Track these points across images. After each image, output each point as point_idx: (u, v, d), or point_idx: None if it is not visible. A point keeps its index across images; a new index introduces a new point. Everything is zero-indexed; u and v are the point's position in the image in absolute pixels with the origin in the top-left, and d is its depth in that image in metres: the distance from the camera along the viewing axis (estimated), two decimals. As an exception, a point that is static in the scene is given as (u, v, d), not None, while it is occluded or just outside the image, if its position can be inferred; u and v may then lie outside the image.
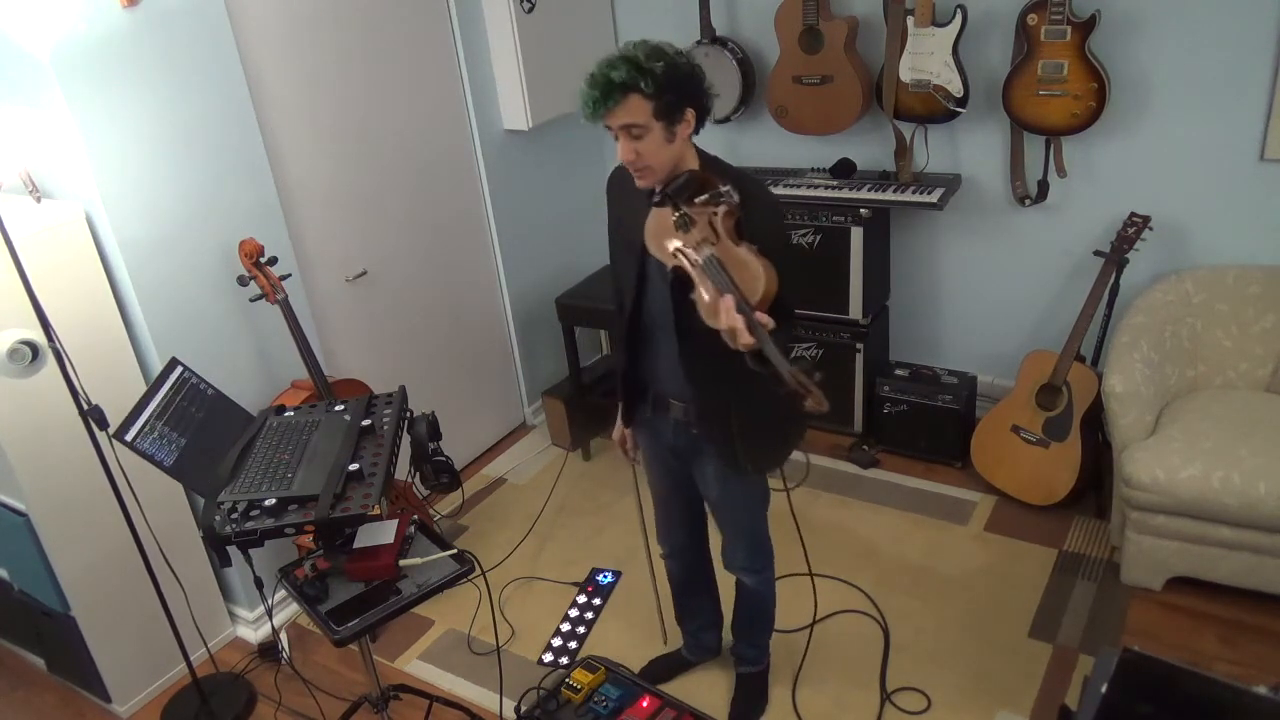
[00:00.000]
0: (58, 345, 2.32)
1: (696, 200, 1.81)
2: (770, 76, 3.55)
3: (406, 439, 2.15)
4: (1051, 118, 3.12)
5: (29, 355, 2.35)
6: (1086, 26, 2.95)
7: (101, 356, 2.62)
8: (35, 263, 2.34)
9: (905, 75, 3.29)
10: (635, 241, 2.03)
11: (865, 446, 3.70)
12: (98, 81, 2.45)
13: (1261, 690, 1.41)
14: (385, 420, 2.13)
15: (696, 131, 1.96)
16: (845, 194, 3.46)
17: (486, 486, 3.85)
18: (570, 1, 3.75)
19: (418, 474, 2.17)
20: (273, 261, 2.82)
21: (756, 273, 1.72)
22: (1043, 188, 3.37)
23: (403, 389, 2.24)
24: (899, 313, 3.88)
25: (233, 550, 1.90)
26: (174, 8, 2.57)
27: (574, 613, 3.11)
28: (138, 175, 2.59)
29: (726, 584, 2.69)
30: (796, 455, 3.56)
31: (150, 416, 2.10)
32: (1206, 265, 3.15)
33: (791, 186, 3.55)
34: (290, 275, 2.89)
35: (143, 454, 2.05)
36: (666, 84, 1.82)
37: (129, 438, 2.05)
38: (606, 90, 1.81)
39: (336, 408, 2.20)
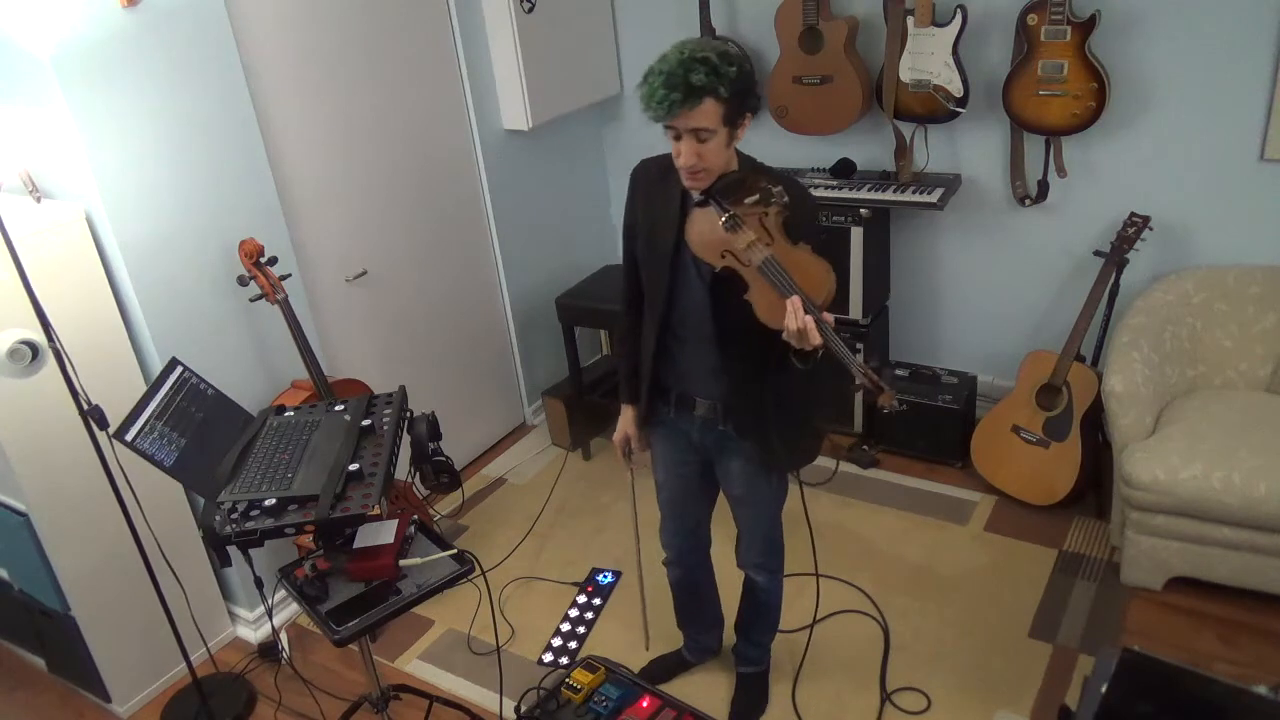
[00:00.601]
0: (58, 345, 2.31)
1: (746, 201, 1.81)
2: (770, 76, 3.55)
3: (406, 439, 2.15)
4: (1051, 118, 3.12)
5: (29, 355, 2.35)
6: (1086, 26, 2.95)
7: (101, 356, 2.62)
8: (35, 263, 2.34)
9: (905, 75, 3.29)
10: (665, 241, 2.02)
11: (865, 446, 3.70)
12: (98, 81, 2.45)
13: (1261, 690, 1.41)
14: (385, 420, 2.13)
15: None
16: (845, 194, 3.46)
17: (486, 486, 3.85)
18: (570, 1, 3.75)
19: (418, 474, 2.17)
20: (273, 261, 2.82)
21: (819, 273, 1.74)
22: (1043, 188, 3.37)
23: (403, 389, 2.24)
24: (899, 313, 3.88)
25: (233, 550, 1.90)
26: (174, 8, 2.57)
27: (574, 613, 3.11)
28: (138, 175, 2.59)
29: (726, 584, 2.69)
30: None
31: (150, 416, 2.10)
32: (1206, 265, 3.15)
33: (791, 186, 3.55)
34: (290, 275, 2.89)
35: (143, 454, 2.05)
36: (738, 90, 1.83)
37: (129, 438, 2.05)
38: (687, 93, 1.77)
39: (336, 408, 2.20)
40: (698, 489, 2.43)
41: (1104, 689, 1.45)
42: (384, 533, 2.10)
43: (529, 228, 4.00)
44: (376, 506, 1.87)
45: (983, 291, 3.69)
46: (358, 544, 2.07)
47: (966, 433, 3.49)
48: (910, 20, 3.21)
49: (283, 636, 3.05)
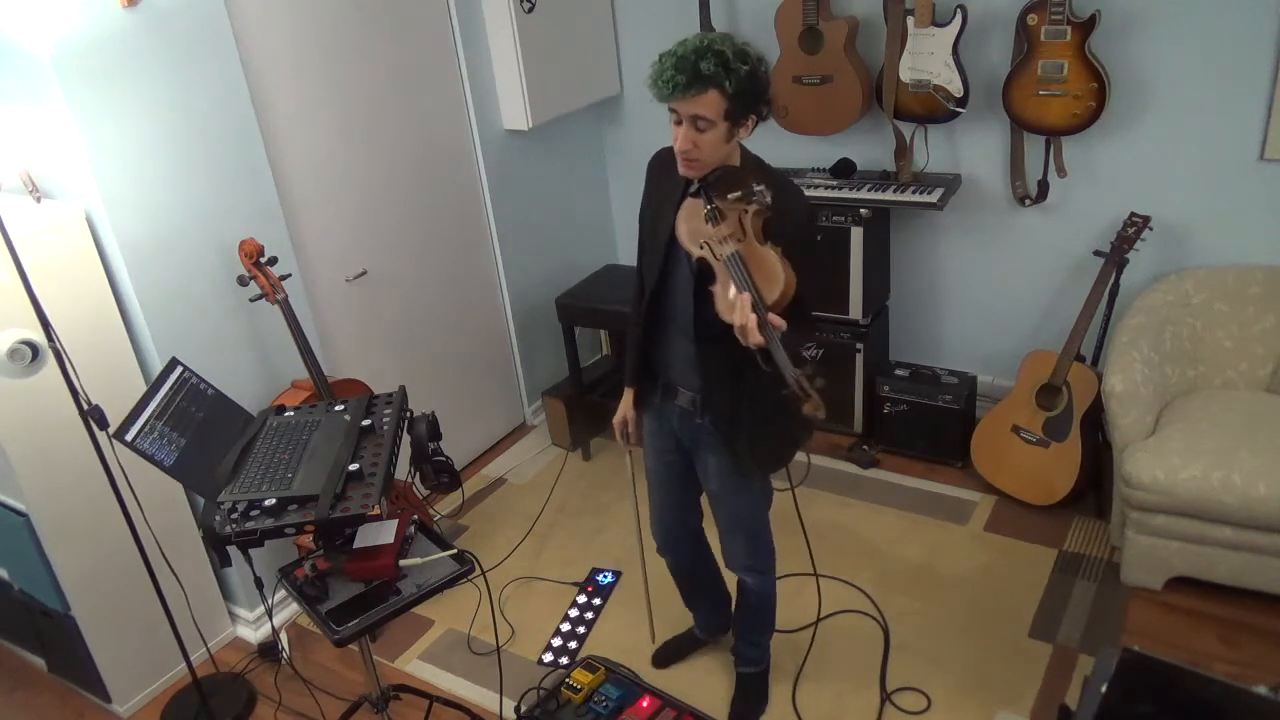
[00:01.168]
0: (58, 345, 2.31)
1: (729, 196, 1.84)
2: (770, 77, 3.55)
3: (406, 439, 2.15)
4: (1051, 118, 3.12)
5: (29, 355, 2.35)
6: (1086, 26, 2.95)
7: (101, 356, 2.62)
8: (35, 263, 2.34)
9: (905, 75, 3.29)
10: (664, 228, 2.05)
11: (865, 446, 3.70)
12: (98, 81, 2.45)
13: (1261, 690, 1.41)
14: (385, 420, 2.13)
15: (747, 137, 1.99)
16: (845, 194, 3.46)
17: (486, 486, 3.85)
18: (570, 1, 3.75)
19: (418, 474, 2.17)
20: (273, 261, 2.82)
21: (776, 274, 1.75)
22: (1043, 188, 3.37)
23: (403, 389, 2.24)
24: (899, 313, 3.88)
25: (233, 550, 1.90)
26: (174, 8, 2.57)
27: (574, 613, 3.11)
28: (138, 175, 2.59)
29: (728, 576, 2.68)
30: (799, 456, 3.56)
31: (150, 416, 2.10)
32: (1206, 265, 3.15)
33: (791, 186, 3.55)
34: (290, 275, 2.89)
35: (143, 454, 2.05)
36: (745, 88, 1.85)
37: (129, 438, 2.05)
38: (692, 78, 1.81)
39: (336, 408, 2.20)
40: (682, 477, 2.43)
41: (1104, 689, 1.45)
42: (384, 533, 2.10)
43: (529, 228, 4.00)
44: (376, 506, 1.87)
45: (983, 291, 3.69)
46: (358, 544, 2.07)
47: (966, 433, 3.49)
48: (910, 20, 3.21)
49: (283, 636, 3.05)
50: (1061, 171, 3.31)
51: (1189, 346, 3.08)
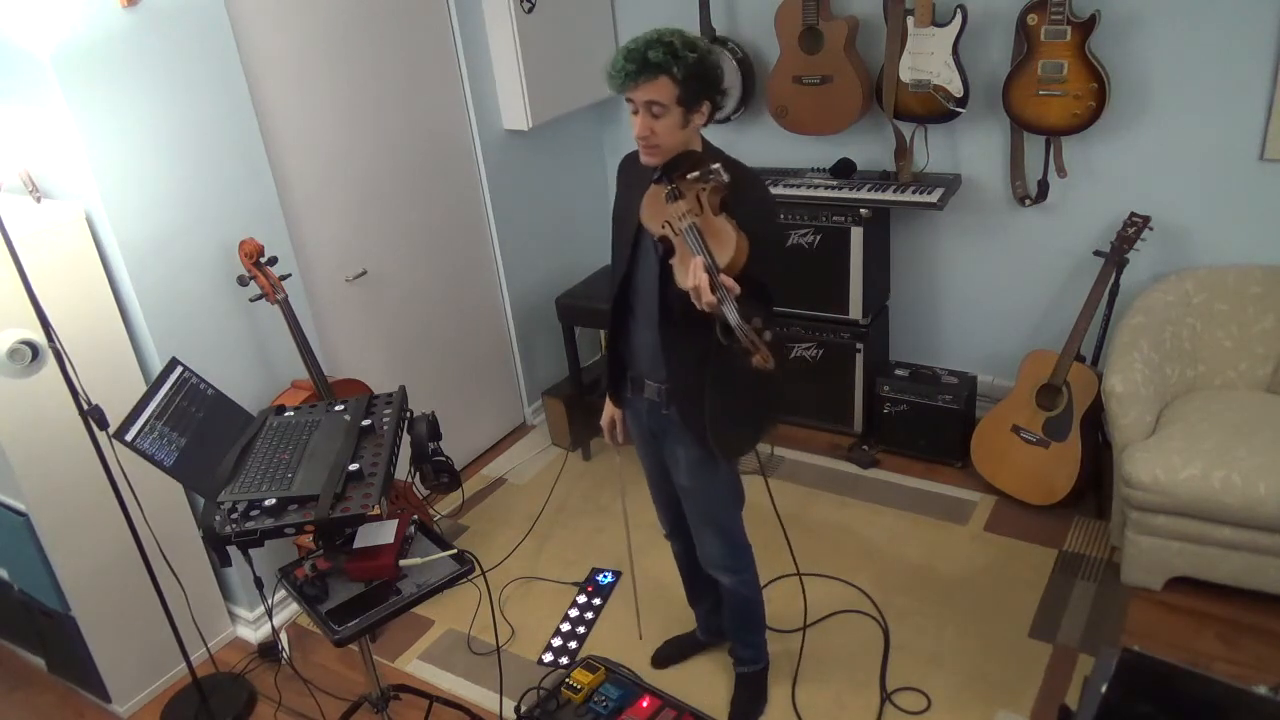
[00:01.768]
0: (58, 345, 2.32)
1: (689, 176, 1.93)
2: (770, 76, 3.55)
3: (406, 439, 2.15)
4: (1051, 118, 3.12)
5: (29, 355, 2.35)
6: (1086, 26, 2.95)
7: (101, 356, 2.62)
8: (35, 263, 2.34)
9: (905, 75, 3.29)
10: (632, 221, 2.13)
11: (865, 446, 3.70)
12: (98, 81, 2.45)
13: (1261, 690, 1.41)
14: (385, 420, 2.13)
15: (705, 125, 2.07)
16: (845, 194, 3.46)
17: (486, 486, 3.85)
18: (570, 1, 3.75)
19: (418, 474, 2.17)
20: (273, 261, 2.82)
21: (729, 239, 1.84)
22: (1043, 188, 3.37)
23: (403, 389, 2.24)
24: (899, 313, 3.88)
25: (233, 550, 1.90)
26: (174, 8, 2.57)
27: (574, 613, 3.11)
28: (138, 175, 2.59)
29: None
30: (786, 452, 3.56)
31: (150, 416, 2.10)
32: (1206, 265, 3.15)
33: (791, 186, 3.55)
34: (290, 275, 2.89)
35: (143, 454, 2.05)
36: (694, 74, 1.94)
37: (129, 438, 2.05)
38: (641, 66, 1.92)
39: (336, 408, 2.20)
40: (667, 468, 2.45)
41: (1104, 689, 1.45)
42: (384, 533, 2.10)
43: (529, 228, 4.00)
44: (376, 506, 1.87)
45: (983, 291, 3.69)
46: (358, 544, 2.07)
47: (966, 433, 3.49)
48: (910, 20, 3.21)
49: (283, 636, 3.05)
50: (1061, 171, 3.31)
51: (1189, 346, 3.08)
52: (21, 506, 2.61)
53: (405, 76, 3.38)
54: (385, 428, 2.10)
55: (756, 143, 3.86)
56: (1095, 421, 3.18)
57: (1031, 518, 3.25)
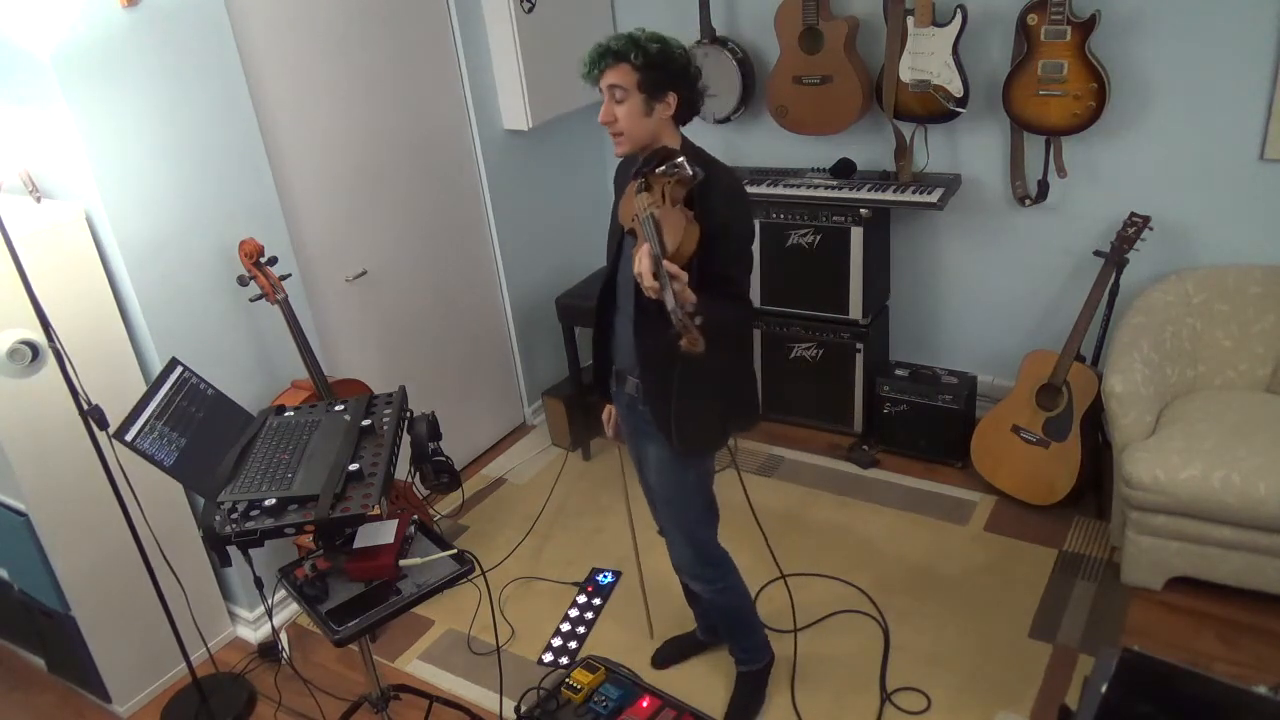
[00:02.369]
0: (58, 345, 2.31)
1: (658, 170, 1.99)
2: (770, 76, 3.55)
3: (406, 439, 2.15)
4: (1051, 118, 3.12)
5: (29, 355, 2.35)
6: (1086, 26, 2.95)
7: (101, 356, 2.62)
8: (35, 263, 2.34)
9: (905, 75, 3.29)
10: (617, 218, 2.21)
11: (865, 446, 3.70)
12: (98, 81, 2.45)
13: (1261, 690, 1.41)
14: (385, 420, 2.13)
15: (684, 122, 2.14)
16: (845, 194, 3.46)
17: (486, 486, 3.85)
18: (570, 1, 3.75)
19: (418, 474, 2.17)
20: (273, 261, 2.82)
21: (678, 228, 1.89)
22: (1043, 188, 3.37)
23: (403, 389, 2.24)
24: (899, 313, 3.88)
25: (233, 550, 1.90)
26: (174, 8, 2.57)
27: (574, 613, 3.11)
28: (138, 175, 2.59)
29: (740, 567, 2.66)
30: (785, 452, 3.55)
31: (150, 416, 2.10)
32: (1206, 265, 3.15)
33: (791, 186, 3.55)
34: (290, 275, 2.89)
35: (143, 454, 2.05)
36: (655, 62, 2.03)
37: (129, 438, 2.04)
38: (602, 53, 2.05)
39: (336, 408, 2.20)
40: (647, 463, 2.45)
41: (1104, 689, 1.45)
42: (384, 533, 2.10)
43: (529, 228, 4.00)
44: (376, 506, 1.87)
45: (983, 291, 3.69)
46: (358, 544, 2.07)
47: (966, 433, 3.49)
48: (910, 20, 3.21)
49: (283, 636, 3.05)
50: (1061, 171, 3.31)
51: (1189, 346, 3.08)
52: (21, 506, 2.61)
53: (405, 76, 3.38)
54: (385, 428, 2.10)
55: (756, 143, 3.86)
56: (1095, 421, 3.18)
57: (1031, 518, 3.25)
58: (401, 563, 2.05)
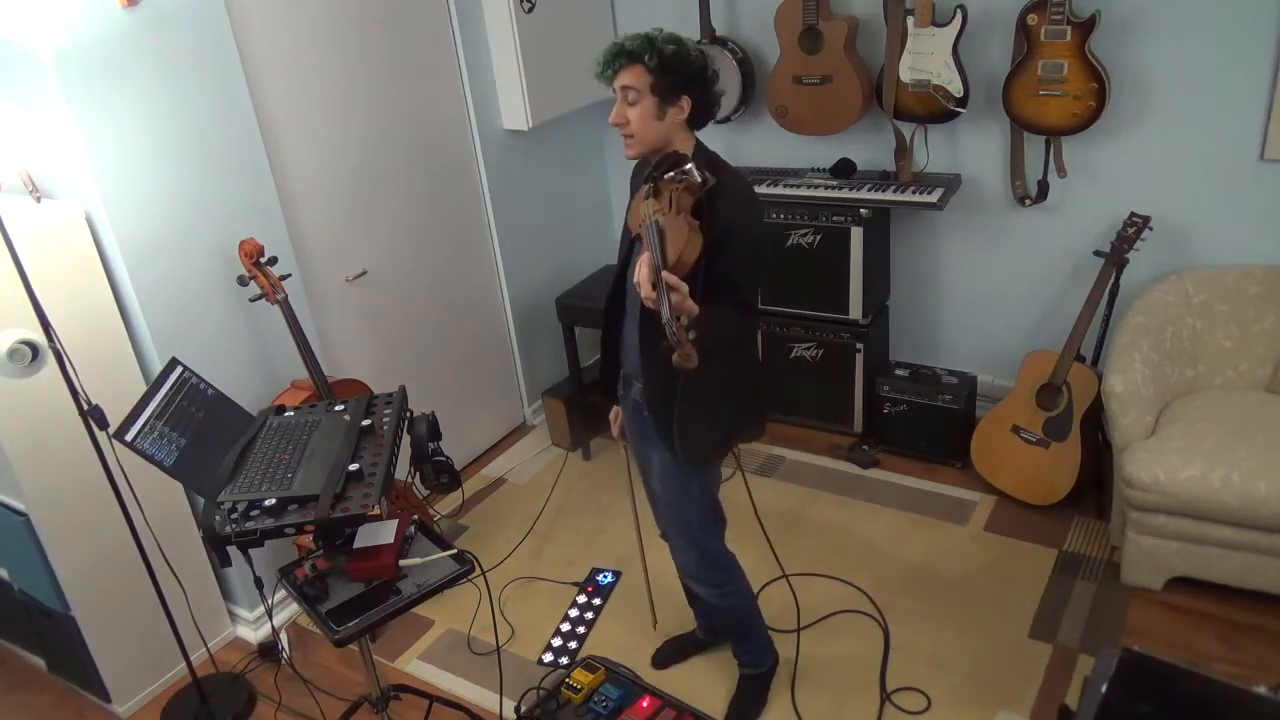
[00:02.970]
0: (58, 345, 2.31)
1: (667, 176, 1.96)
2: (770, 76, 3.55)
3: (406, 439, 2.15)
4: (1051, 118, 3.12)
5: (29, 355, 2.35)
6: (1086, 26, 2.95)
7: (101, 356, 2.62)
8: (35, 263, 2.34)
9: (905, 75, 3.29)
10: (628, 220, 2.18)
11: (865, 446, 3.70)
12: (98, 81, 2.45)
13: (1261, 690, 1.41)
14: (385, 420, 2.13)
15: (698, 127, 2.11)
16: (845, 194, 3.46)
17: (486, 486, 3.85)
18: (570, 1, 3.75)
19: (418, 474, 2.17)
20: (273, 261, 2.82)
21: (680, 238, 1.85)
22: (1043, 188, 3.37)
23: (403, 389, 2.24)
24: (899, 313, 3.88)
25: (233, 550, 1.90)
26: (174, 8, 2.57)
27: (574, 613, 3.11)
28: (138, 175, 2.59)
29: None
30: (786, 452, 3.55)
31: (150, 416, 2.10)
32: (1206, 265, 3.15)
33: (791, 186, 3.55)
34: (290, 275, 2.89)
35: (143, 454, 2.05)
36: (670, 65, 2.00)
37: (129, 438, 2.04)
38: (617, 53, 2.03)
39: (336, 408, 2.20)
40: (652, 470, 2.44)
41: (1104, 689, 1.45)
42: (384, 533, 2.10)
43: (529, 228, 4.00)
44: (376, 506, 1.86)
45: (983, 291, 3.69)
46: (358, 544, 2.07)
47: (966, 433, 3.49)
48: (910, 20, 3.21)
49: (283, 636, 3.05)
50: (1061, 171, 3.31)
51: (1189, 346, 3.08)
52: (21, 506, 2.61)
53: (405, 76, 3.38)
54: (385, 428, 2.10)
55: (756, 143, 3.86)
56: (1095, 421, 3.18)
57: (1031, 518, 3.25)
58: (401, 563, 2.06)
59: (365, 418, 2.12)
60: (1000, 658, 2.72)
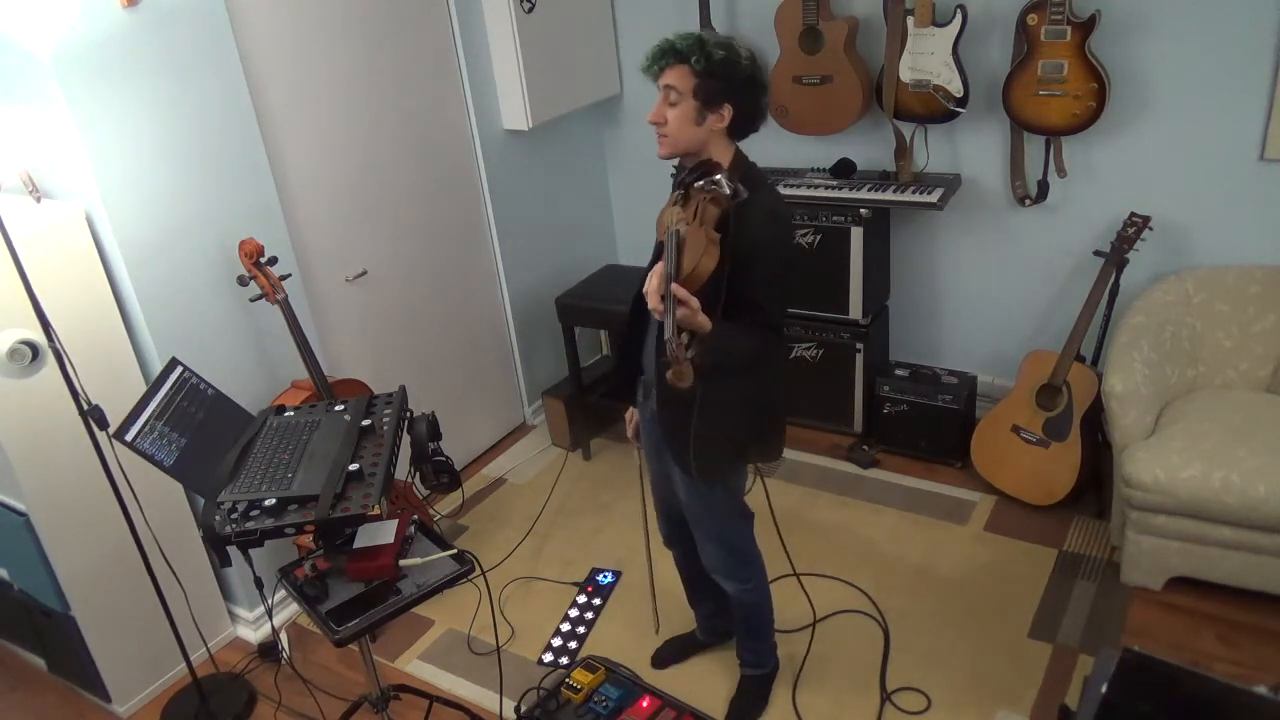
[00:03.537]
0: (58, 345, 2.31)
1: (697, 184, 1.92)
2: (770, 77, 3.55)
3: (406, 439, 2.15)
4: (1051, 118, 3.12)
5: (29, 355, 2.35)
6: (1086, 26, 2.95)
7: (101, 356, 2.62)
8: (35, 263, 2.34)
9: (905, 75, 3.29)
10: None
11: (865, 446, 3.70)
12: (98, 81, 2.45)
13: (1261, 690, 1.41)
14: (385, 420, 2.13)
15: (740, 137, 2.08)
16: (845, 194, 3.46)
17: (486, 486, 3.85)
18: (570, 1, 3.75)
19: (418, 474, 2.17)
20: (273, 261, 2.82)
21: (697, 250, 1.81)
22: (1043, 188, 3.37)
23: (403, 389, 2.24)
24: (899, 313, 3.88)
25: (233, 550, 1.90)
26: (174, 8, 2.57)
27: (574, 613, 3.11)
28: (138, 175, 2.59)
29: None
30: (786, 452, 3.54)
31: (150, 416, 2.10)
32: (1206, 265, 3.15)
33: (791, 186, 3.55)
34: (290, 275, 2.89)
35: (143, 454, 2.05)
36: (716, 70, 1.95)
37: (129, 438, 2.05)
38: (665, 50, 1.98)
39: (336, 408, 2.20)
40: (672, 478, 2.42)
41: (1104, 689, 1.45)
42: (384, 533, 2.10)
43: (529, 228, 4.00)
44: (376, 506, 1.87)
45: (983, 291, 3.69)
46: (358, 544, 2.07)
47: (966, 433, 3.49)
48: (910, 20, 3.21)
49: (283, 636, 3.05)
50: (1061, 171, 3.31)
51: (1189, 346, 3.08)
52: (21, 506, 2.61)
53: (406, 76, 3.38)
54: (385, 428, 2.10)
55: (756, 143, 3.82)
56: (1095, 421, 3.18)
57: (1031, 518, 3.25)
58: (401, 563, 2.06)
59: (365, 418, 2.12)
60: (1000, 658, 2.72)
